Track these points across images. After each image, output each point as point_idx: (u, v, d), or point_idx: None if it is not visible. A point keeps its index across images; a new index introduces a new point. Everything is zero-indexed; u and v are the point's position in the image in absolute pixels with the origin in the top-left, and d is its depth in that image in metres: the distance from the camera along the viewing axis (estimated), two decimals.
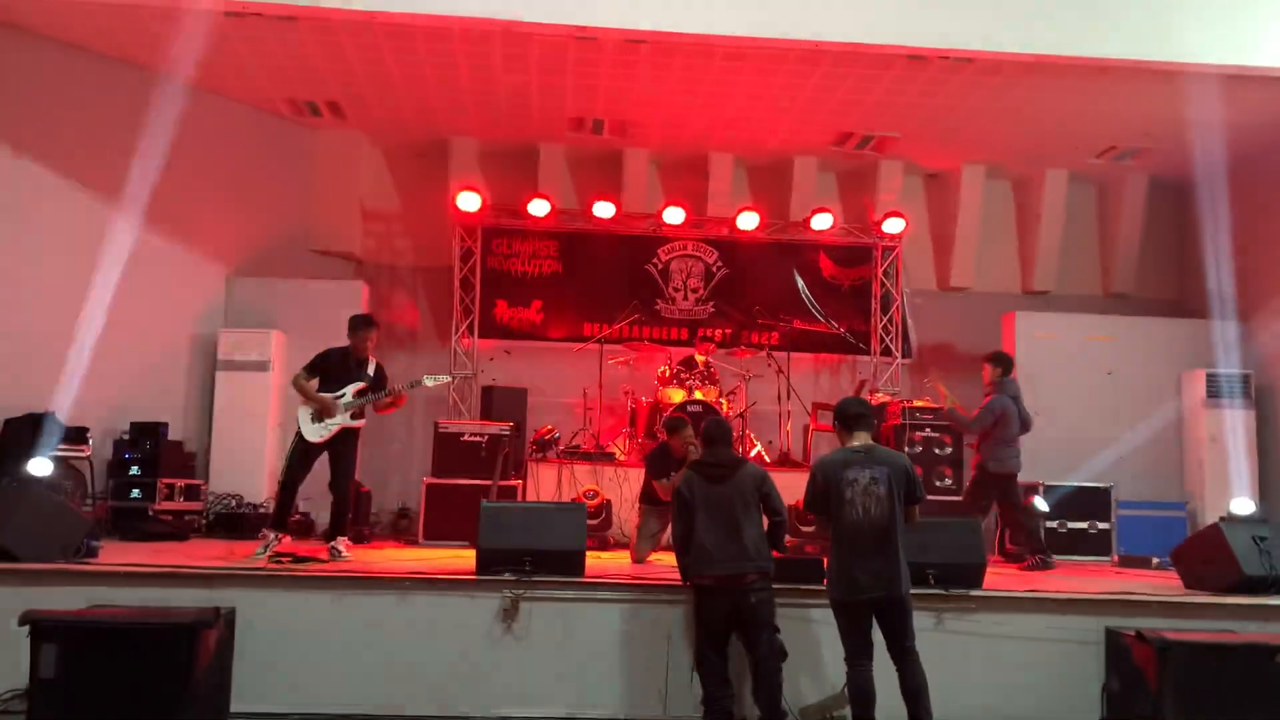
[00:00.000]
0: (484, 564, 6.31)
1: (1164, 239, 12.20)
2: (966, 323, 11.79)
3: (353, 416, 7.10)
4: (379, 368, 7.34)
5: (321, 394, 7.07)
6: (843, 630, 5.40)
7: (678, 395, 10.03)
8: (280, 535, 7.12)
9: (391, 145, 11.44)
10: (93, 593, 5.91)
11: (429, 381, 7.35)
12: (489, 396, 10.28)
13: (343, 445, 7.15)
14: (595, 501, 8.83)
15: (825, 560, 5.75)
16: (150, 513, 9.08)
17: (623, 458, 9.75)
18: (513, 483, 9.09)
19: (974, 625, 6.30)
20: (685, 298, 11.56)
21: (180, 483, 9.47)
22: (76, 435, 9.09)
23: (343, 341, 7.48)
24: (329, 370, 7.14)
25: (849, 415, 5.54)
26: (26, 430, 8.78)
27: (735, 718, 5.72)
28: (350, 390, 7.11)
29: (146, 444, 9.46)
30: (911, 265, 11.99)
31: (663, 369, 10.40)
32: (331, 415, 7.03)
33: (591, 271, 11.34)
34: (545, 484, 9.45)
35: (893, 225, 11.48)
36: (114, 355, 9.11)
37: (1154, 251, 12.11)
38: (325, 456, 7.20)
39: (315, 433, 7.07)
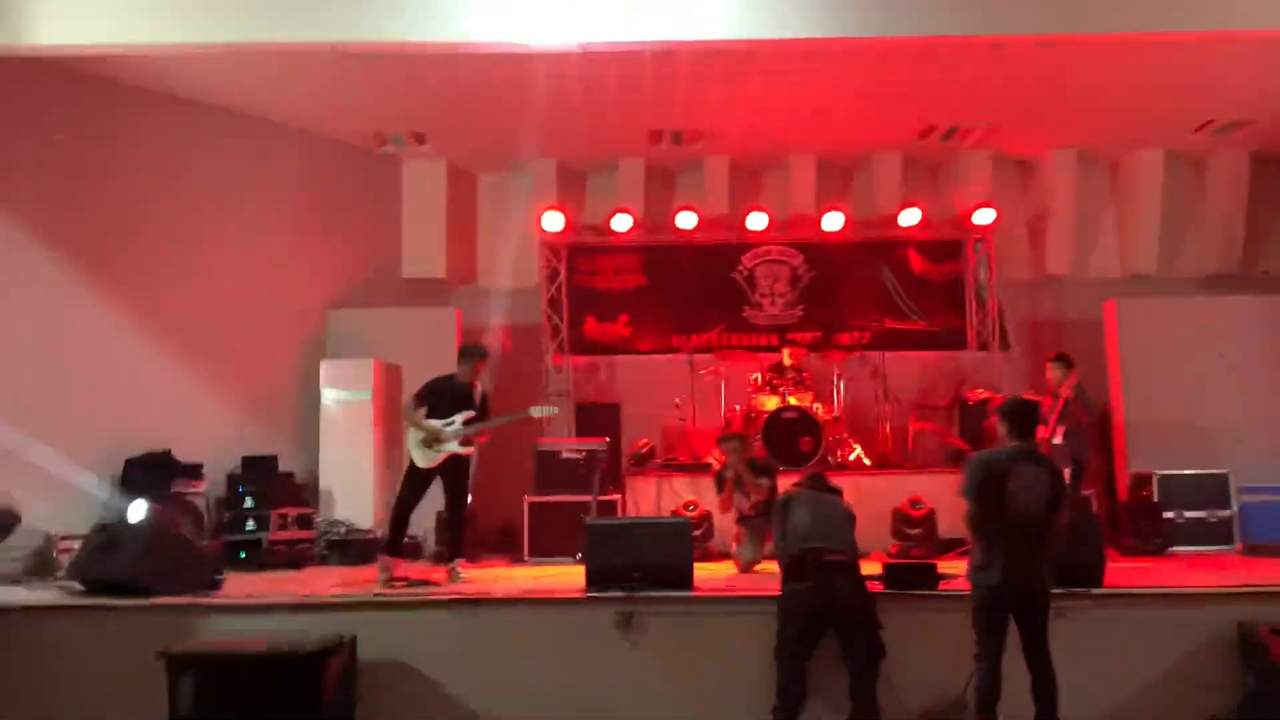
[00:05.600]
0: (593, 581, 6.34)
1: (1269, 215, 11.65)
2: (1066, 312, 11.44)
3: (461, 444, 7.20)
4: (484, 395, 7.43)
5: (430, 422, 7.17)
6: (980, 625, 5.37)
7: (771, 402, 10.01)
8: (396, 560, 7.25)
9: (474, 170, 11.58)
10: (220, 624, 6.09)
11: (536, 413, 7.42)
12: (583, 413, 10.49)
13: (454, 471, 7.27)
14: (695, 513, 8.83)
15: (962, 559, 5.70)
16: (266, 544, 9.27)
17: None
18: (611, 497, 9.09)
19: (1095, 624, 6.09)
20: (773, 303, 11.50)
21: (293, 512, 9.62)
22: (192, 472, 9.39)
23: (439, 366, 7.59)
24: (437, 399, 7.22)
25: (1022, 415, 5.57)
26: (145, 469, 9.07)
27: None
28: (459, 419, 7.21)
29: (259, 476, 9.70)
30: (1005, 256, 11.69)
31: (754, 376, 10.38)
32: (441, 442, 7.13)
33: (677, 282, 11.34)
34: (644, 497, 9.46)
35: (983, 216, 11.21)
36: (223, 392, 9.48)
37: (1259, 228, 11.58)
38: (439, 482, 7.32)
39: (426, 459, 7.17)
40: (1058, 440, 8.32)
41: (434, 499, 7.55)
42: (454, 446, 7.17)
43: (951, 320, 11.42)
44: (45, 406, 8.27)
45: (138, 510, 8.43)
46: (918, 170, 11.74)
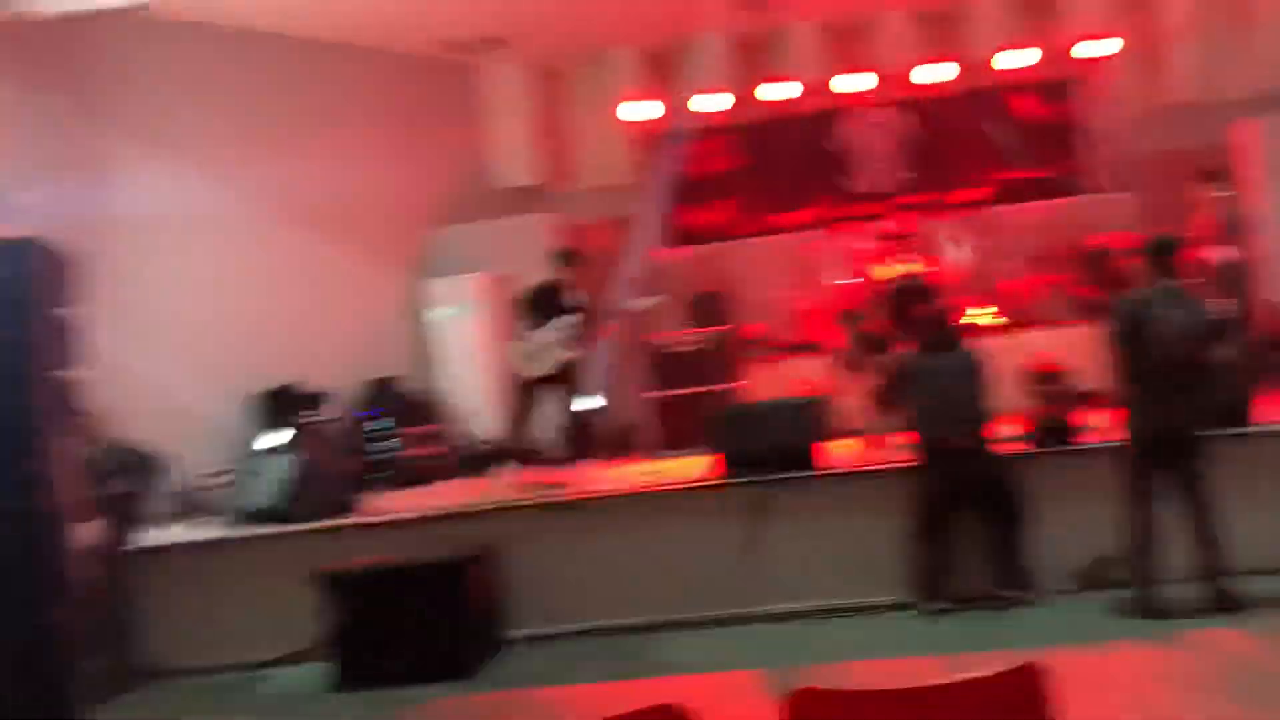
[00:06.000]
0: (727, 467, 6.39)
1: None
2: (1192, 142, 10.67)
3: (567, 348, 7.23)
4: (582, 298, 7.44)
5: (533, 331, 7.24)
6: (1133, 473, 5.21)
7: (886, 271, 9.85)
8: (520, 467, 7.35)
9: (554, 68, 11.36)
10: (364, 542, 6.31)
11: (636, 306, 7.66)
12: (694, 304, 10.32)
13: (563, 378, 7.30)
14: (818, 393, 8.48)
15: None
16: (399, 461, 9.56)
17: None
18: (732, 386, 9.27)
19: (1251, 464, 5.78)
20: (877, 169, 11.04)
21: (421, 430, 9.87)
22: (321, 399, 9.68)
23: (541, 273, 7.61)
24: (536, 307, 7.28)
25: (1166, 250, 5.30)
26: (277, 401, 9.44)
27: (954, 593, 5.69)
28: (561, 322, 7.24)
29: (384, 398, 10.03)
30: (1119, 88, 10.91)
31: (866, 247, 10.19)
32: (547, 351, 7.20)
33: (774, 160, 10.98)
34: (763, 384, 9.45)
35: (1092, 48, 10.48)
36: (340, 320, 9.66)
37: None
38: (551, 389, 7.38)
39: (532, 369, 7.25)
40: (1212, 263, 7.88)
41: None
42: (559, 352, 7.22)
43: (1067, 165, 10.85)
44: (179, 346, 8.62)
45: (274, 441, 8.76)
46: (1018, 8, 11.02)
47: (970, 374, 5.86)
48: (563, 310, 7.25)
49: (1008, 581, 5.55)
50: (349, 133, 9.86)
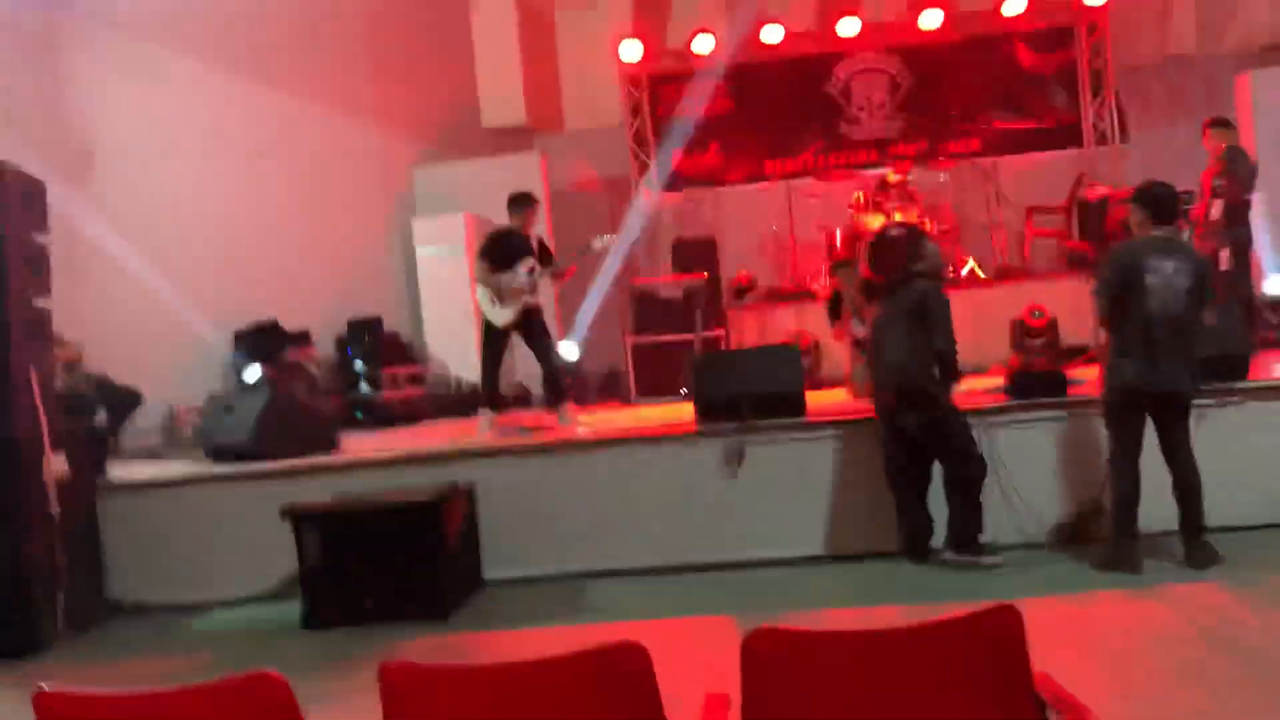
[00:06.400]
0: (704, 414, 6.28)
1: None
2: (1192, 95, 10.49)
3: (530, 293, 7.12)
4: (541, 242, 7.35)
5: (497, 277, 7.10)
6: (1114, 426, 5.14)
7: (876, 221, 9.62)
8: (495, 412, 7.28)
9: (545, 5, 11.12)
10: (342, 481, 6.22)
11: (596, 244, 7.27)
12: (679, 249, 10.06)
13: (530, 323, 7.20)
14: (803, 342, 8.68)
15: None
16: (379, 402, 9.60)
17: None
18: (715, 333, 9.00)
19: (1240, 419, 5.72)
20: (871, 116, 10.89)
21: (403, 370, 9.92)
22: (301, 338, 9.81)
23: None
24: (499, 252, 7.13)
25: (1160, 200, 5.13)
26: (256, 338, 9.51)
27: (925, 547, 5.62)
28: (522, 269, 7.09)
29: (365, 338, 10.03)
30: (1121, 38, 10.69)
31: (856, 195, 9.98)
32: (511, 297, 7.06)
33: (767, 104, 10.83)
34: (748, 331, 9.52)
35: None
36: (323, 258, 9.69)
37: None
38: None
39: (499, 316, 7.12)
40: (1215, 215, 7.69)
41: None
42: (524, 298, 7.10)
43: (1065, 115, 10.68)
44: (158, 278, 8.64)
45: (253, 377, 8.89)
46: None
47: (907, 318, 5.52)
48: (520, 255, 7.12)
49: (957, 544, 5.42)
50: (335, 64, 9.82)
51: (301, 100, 9.63)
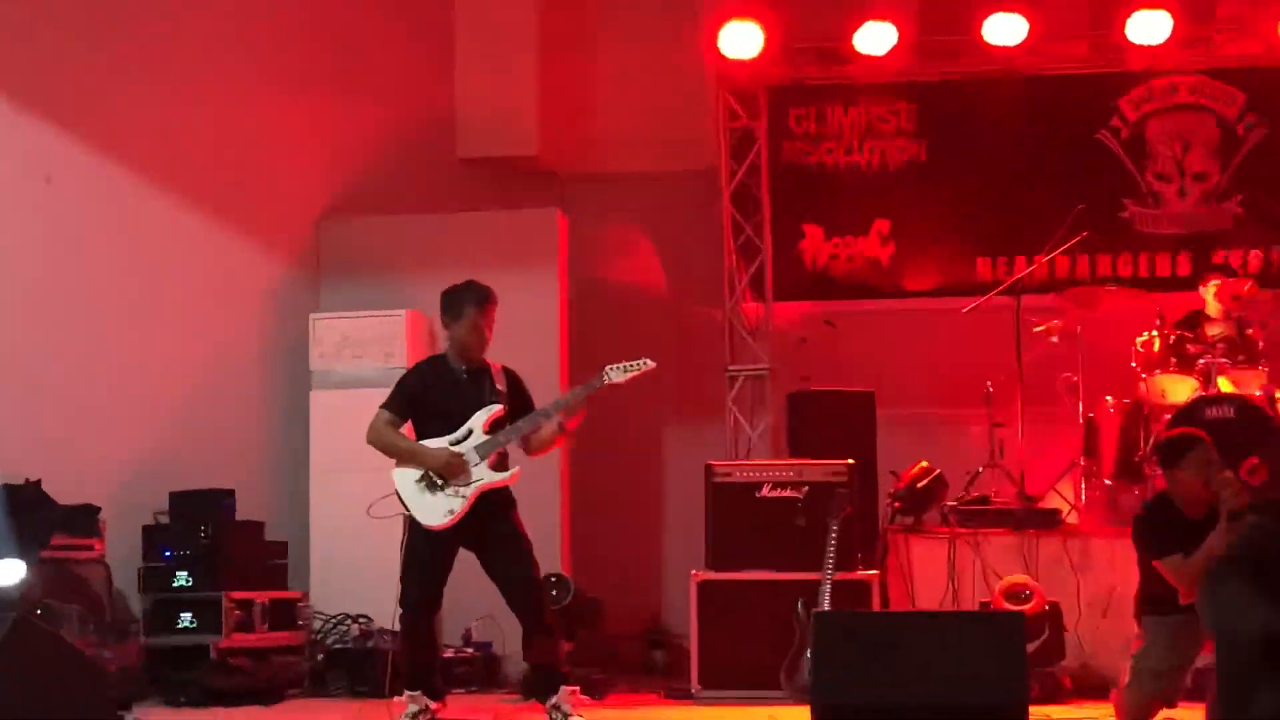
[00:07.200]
0: None
1: None
2: None
3: (494, 467, 5.34)
4: (511, 376, 5.53)
5: (428, 443, 5.37)
6: None
7: (1179, 387, 6.78)
8: (433, 701, 5.31)
9: None
10: None
11: (617, 375, 5.24)
12: (801, 408, 7.17)
13: (492, 522, 5.31)
14: (1030, 606, 6.31)
15: None
16: (215, 656, 6.66)
17: (1076, 518, 6.99)
18: (862, 575, 6.52)
19: None
20: (1182, 191, 7.47)
21: (263, 597, 6.88)
22: (82, 521, 6.72)
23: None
24: (429, 399, 5.40)
25: None
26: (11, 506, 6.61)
27: None
28: (479, 422, 5.31)
29: (200, 530, 6.85)
30: None
31: (1144, 336, 6.83)
32: (457, 475, 5.23)
33: (986, 157, 7.66)
34: (925, 573, 6.71)
35: None
36: (139, 384, 6.91)
37: None
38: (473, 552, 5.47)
39: (438, 512, 5.27)
40: None
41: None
42: (481, 474, 5.28)
43: None
44: None
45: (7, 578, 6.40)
46: None
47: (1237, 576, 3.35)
48: (477, 401, 5.39)
49: None
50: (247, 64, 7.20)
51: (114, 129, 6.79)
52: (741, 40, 7.28)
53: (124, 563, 6.56)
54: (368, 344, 7.06)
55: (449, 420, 5.21)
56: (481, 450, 5.19)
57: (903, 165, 7.65)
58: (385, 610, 6.06)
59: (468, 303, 5.19)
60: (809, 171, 7.74)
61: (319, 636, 6.92)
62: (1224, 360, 6.51)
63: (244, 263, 7.13)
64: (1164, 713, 4.94)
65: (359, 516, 6.20)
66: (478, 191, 7.54)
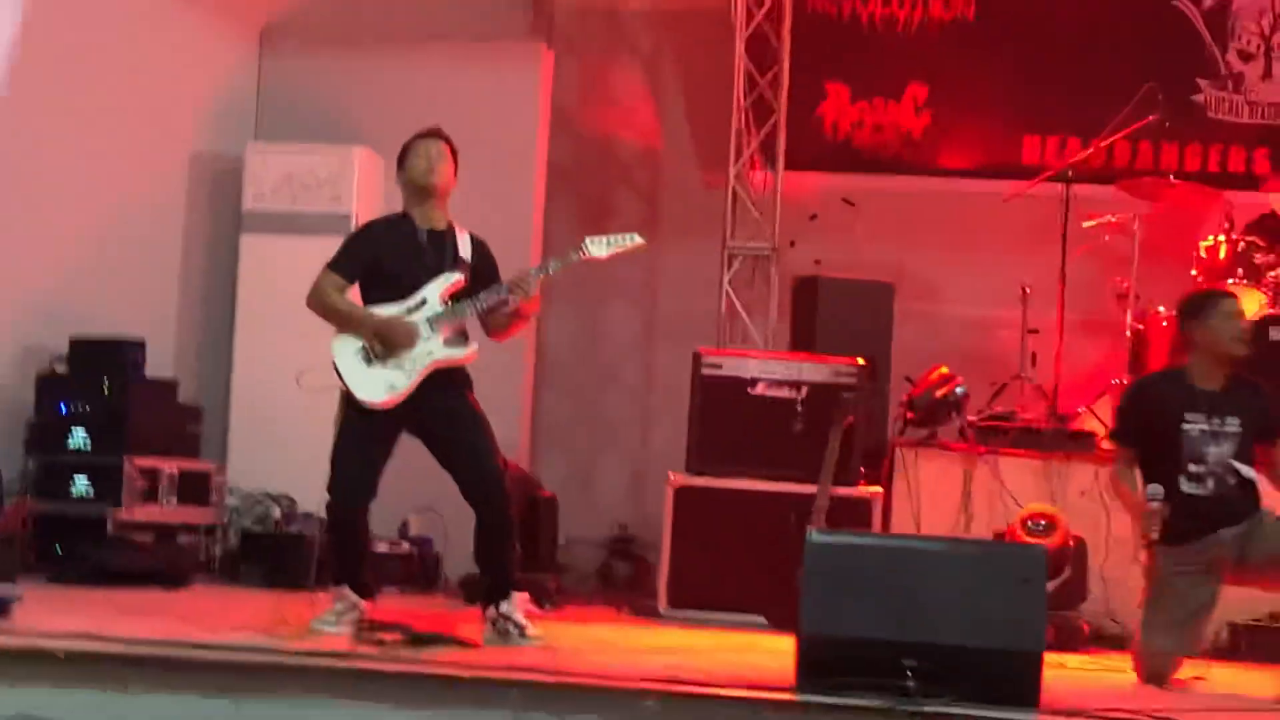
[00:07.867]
0: (811, 669, 3.74)
1: None
2: None
3: (448, 344, 4.60)
4: (478, 243, 4.68)
5: (379, 310, 4.64)
6: None
7: (1245, 301, 5.77)
8: (363, 599, 4.61)
9: None
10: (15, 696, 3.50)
11: (597, 250, 4.52)
12: (808, 296, 6.51)
13: (445, 403, 4.59)
14: (1052, 540, 5.64)
15: None
16: (113, 529, 6.13)
17: (1110, 444, 6.02)
18: (864, 490, 5.99)
19: None
20: (1267, 73, 6.53)
21: (172, 466, 6.22)
22: None
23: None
24: (382, 261, 4.63)
25: None
26: None
27: None
28: (436, 291, 4.57)
29: (102, 383, 6.21)
30: None
31: (1210, 240, 6.21)
32: (407, 345, 4.52)
33: (1043, 18, 6.77)
34: (934, 494, 6.14)
35: None
36: (43, 206, 5.99)
37: None
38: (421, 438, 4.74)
39: (378, 387, 4.58)
40: None
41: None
42: (435, 349, 4.57)
43: None
44: None
45: None
46: None
47: None
48: (435, 267, 4.63)
49: None
50: None
51: None
52: None
53: (10, 414, 5.79)
54: (312, 183, 6.24)
55: (400, 287, 4.58)
56: (435, 323, 4.56)
57: (947, 23, 6.73)
58: (312, 494, 5.51)
59: (424, 150, 4.53)
60: (839, 22, 6.85)
61: (234, 516, 6.38)
62: None
63: (171, 75, 6.12)
64: (1191, 669, 4.37)
65: (288, 384, 5.77)
66: (451, 15, 6.53)
